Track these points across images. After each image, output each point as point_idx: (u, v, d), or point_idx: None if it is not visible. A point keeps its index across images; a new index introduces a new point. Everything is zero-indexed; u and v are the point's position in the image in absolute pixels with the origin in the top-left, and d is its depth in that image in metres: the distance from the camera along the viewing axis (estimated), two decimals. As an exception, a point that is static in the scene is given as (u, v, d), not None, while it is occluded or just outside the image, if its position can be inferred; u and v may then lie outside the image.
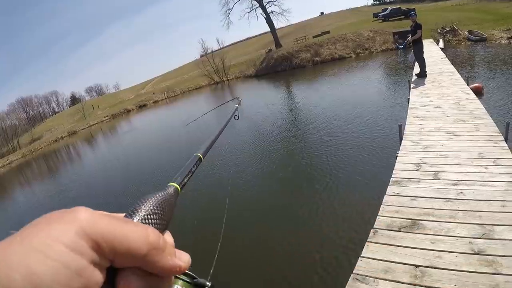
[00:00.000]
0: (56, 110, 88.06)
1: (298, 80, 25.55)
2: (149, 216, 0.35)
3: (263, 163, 9.66)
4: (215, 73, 43.56)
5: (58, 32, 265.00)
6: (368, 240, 3.02)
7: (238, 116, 1.56)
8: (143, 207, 0.36)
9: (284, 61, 34.46)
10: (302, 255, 4.96)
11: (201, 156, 0.67)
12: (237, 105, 1.66)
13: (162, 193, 0.41)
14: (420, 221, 3.11)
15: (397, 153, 5.25)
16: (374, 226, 3.22)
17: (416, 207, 3.37)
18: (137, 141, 23.04)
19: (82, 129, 47.93)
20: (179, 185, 0.48)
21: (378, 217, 3.38)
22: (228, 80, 42.25)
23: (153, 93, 55.04)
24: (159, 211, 0.37)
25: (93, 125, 48.38)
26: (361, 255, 2.83)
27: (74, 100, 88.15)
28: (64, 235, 0.25)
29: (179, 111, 32.45)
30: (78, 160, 26.42)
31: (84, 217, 0.27)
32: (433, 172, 4.11)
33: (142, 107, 49.05)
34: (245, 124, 14.94)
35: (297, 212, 6.42)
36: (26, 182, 25.22)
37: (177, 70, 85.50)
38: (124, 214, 0.35)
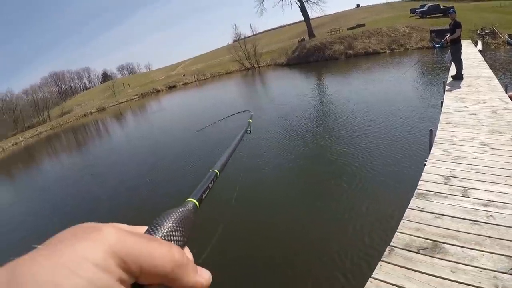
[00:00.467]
0: (87, 86, 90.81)
1: (330, 73, 24.98)
2: (171, 233, 0.36)
3: (287, 155, 9.59)
4: (246, 59, 43.57)
5: (94, 9, 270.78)
6: (382, 259, 2.80)
7: (250, 131, 1.53)
8: (165, 223, 0.37)
9: (317, 51, 33.91)
10: (306, 266, 4.79)
11: (218, 172, 0.69)
12: (250, 120, 1.68)
13: (182, 210, 0.42)
14: (442, 244, 2.84)
15: (426, 161, 4.92)
16: (391, 244, 2.99)
17: (440, 227, 3.10)
18: (164, 122, 23.41)
19: (111, 106, 49.25)
20: (197, 201, 0.49)
21: (396, 233, 3.13)
22: (259, 67, 42.11)
23: (183, 75, 55.60)
24: (180, 228, 0.38)
25: (122, 102, 49.60)
26: (372, 276, 2.61)
27: (106, 77, 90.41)
28: (93, 253, 0.26)
29: (208, 94, 32.72)
30: (106, 136, 27.22)
31: (112, 236, 0.28)
32: (463, 188, 3.78)
33: (171, 88, 49.75)
34: (274, 113, 14.88)
35: (310, 212, 6.24)
36: (54, 154, 26.27)
37: (208, 54, 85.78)
38: (146, 227, 0.37)
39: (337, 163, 8.21)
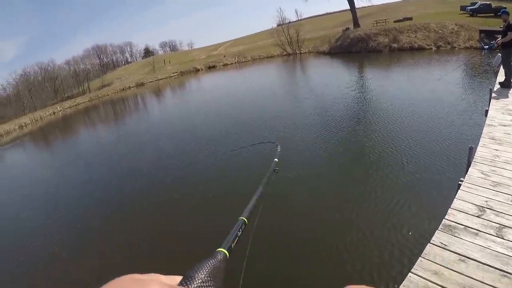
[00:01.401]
0: (129, 60, 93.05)
1: (373, 65, 24.10)
2: (203, 284, 0.40)
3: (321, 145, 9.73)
4: (289, 44, 43.36)
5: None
6: (387, 306, 2.44)
7: (278, 169, 1.50)
8: (197, 275, 0.41)
9: (360, 42, 32.83)
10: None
11: (246, 220, 0.72)
12: (276, 160, 1.67)
13: (213, 261, 0.45)
14: (462, 299, 2.42)
15: (460, 181, 4.38)
16: (401, 286, 2.60)
17: (462, 274, 2.66)
18: (202, 102, 23.72)
19: (150, 81, 50.40)
20: (227, 251, 0.53)
21: (410, 274, 2.73)
22: (300, 53, 41.67)
23: (224, 56, 55.78)
24: (211, 279, 0.41)
25: (161, 79, 50.61)
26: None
27: (148, 52, 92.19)
28: None
29: (247, 78, 32.76)
30: (144, 111, 27.92)
31: None
32: (497, 226, 3.27)
33: (211, 68, 50.20)
34: (313, 103, 14.64)
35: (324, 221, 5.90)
36: (91, 125, 27.25)
37: (250, 37, 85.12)
38: (181, 277, 0.41)
39: (361, 165, 7.88)
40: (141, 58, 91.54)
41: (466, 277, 2.61)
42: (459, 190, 4.13)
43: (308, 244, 5.44)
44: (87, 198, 10.02)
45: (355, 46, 33.16)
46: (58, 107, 42.77)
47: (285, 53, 43.87)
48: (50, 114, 39.78)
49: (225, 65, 49.93)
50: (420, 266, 2.80)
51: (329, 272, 4.78)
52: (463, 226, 3.33)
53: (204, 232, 6.25)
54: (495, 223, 3.32)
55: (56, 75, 59.09)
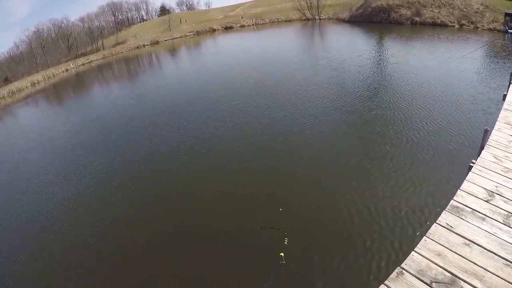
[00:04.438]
0: (144, 18, 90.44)
1: (394, 37, 23.21)
2: None
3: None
4: (308, 9, 41.95)
5: None
6: (386, 282, 2.47)
7: (285, 263, 1.50)
8: None
9: (382, 12, 31.46)
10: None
11: None
12: (282, 254, 1.61)
13: None
14: (462, 283, 2.43)
15: (472, 163, 4.30)
16: (402, 265, 2.62)
17: (466, 258, 2.65)
18: (215, 64, 23.50)
19: (165, 40, 49.53)
20: None
21: (413, 252, 2.74)
22: (320, 19, 40.39)
23: (242, 17, 54.21)
24: None
25: (177, 38, 49.72)
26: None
27: (164, 10, 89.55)
28: None
29: (265, 42, 32.22)
30: (158, 69, 27.84)
31: None
32: (506, 213, 3.22)
33: (228, 28, 49.11)
34: (328, 75, 14.42)
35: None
36: (105, 82, 27.23)
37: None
38: None
39: (375, 140, 7.72)
40: (156, 16, 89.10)
41: (469, 262, 2.61)
42: (470, 172, 4.05)
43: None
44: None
45: (376, 16, 31.82)
46: (71, 64, 42.46)
47: (304, 17, 42.50)
48: (63, 71, 39.67)
49: (242, 26, 48.69)
50: (424, 245, 2.80)
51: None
52: (471, 209, 3.29)
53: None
54: (504, 210, 3.27)
55: (70, 32, 57.97)
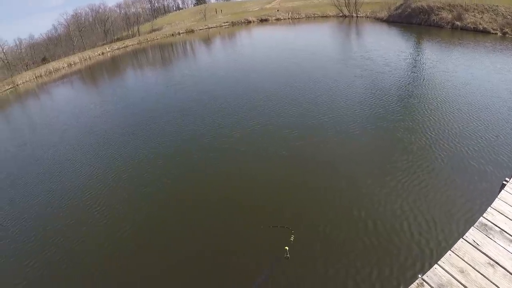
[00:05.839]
0: (180, 6, 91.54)
1: (433, 41, 22.30)
2: None
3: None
4: (346, 6, 41.12)
5: None
6: (407, 292, 2.52)
7: (289, 256, 1.64)
8: None
9: (421, 14, 30.34)
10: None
11: None
12: (286, 248, 1.68)
13: None
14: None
15: (505, 181, 4.20)
16: (424, 277, 2.65)
17: (488, 279, 2.64)
18: (248, 59, 23.56)
19: (200, 29, 50.06)
20: None
21: (436, 265, 2.76)
22: (357, 16, 39.53)
23: (277, 10, 53.92)
24: None
25: (212, 28, 50.12)
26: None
27: (200, 0, 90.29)
28: None
29: (301, 36, 32.12)
30: (192, 57, 28.28)
31: None
32: (537, 236, 3.16)
33: (263, 21, 48.99)
34: (362, 75, 14.24)
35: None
36: (139, 67, 27.95)
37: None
38: None
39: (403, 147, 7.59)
40: (192, 5, 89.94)
41: (491, 284, 2.59)
42: (502, 190, 3.96)
43: None
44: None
45: (415, 17, 30.67)
46: (107, 48, 43.66)
47: (341, 14, 41.67)
48: (99, 54, 40.93)
49: (278, 19, 48.31)
50: (448, 260, 2.81)
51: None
52: (500, 229, 3.24)
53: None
54: (536, 232, 3.21)
55: (107, 17, 59.69)
